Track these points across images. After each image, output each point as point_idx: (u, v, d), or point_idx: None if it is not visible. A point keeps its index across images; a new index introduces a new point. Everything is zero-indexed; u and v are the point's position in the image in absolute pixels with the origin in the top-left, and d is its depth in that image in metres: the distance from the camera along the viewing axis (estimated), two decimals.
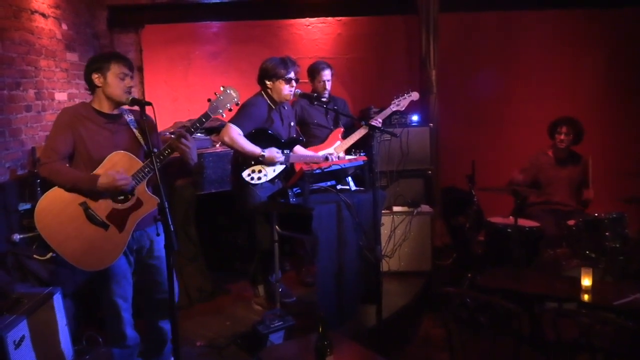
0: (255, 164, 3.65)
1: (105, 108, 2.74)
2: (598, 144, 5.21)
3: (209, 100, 2.80)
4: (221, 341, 3.41)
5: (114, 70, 2.66)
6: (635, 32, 5.53)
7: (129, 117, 2.81)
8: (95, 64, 2.69)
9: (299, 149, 3.90)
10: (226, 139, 3.56)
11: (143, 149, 2.79)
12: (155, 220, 2.80)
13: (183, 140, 2.68)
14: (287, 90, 3.68)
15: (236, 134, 3.56)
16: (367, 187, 3.68)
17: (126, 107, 2.79)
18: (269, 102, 3.75)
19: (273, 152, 3.63)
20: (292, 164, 3.84)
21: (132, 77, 2.74)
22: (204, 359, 3.29)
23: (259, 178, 3.67)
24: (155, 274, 2.89)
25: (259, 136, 3.66)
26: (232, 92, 2.81)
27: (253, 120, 3.64)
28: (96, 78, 2.68)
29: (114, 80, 2.66)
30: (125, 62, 2.70)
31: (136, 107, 2.66)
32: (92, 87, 2.73)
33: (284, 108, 3.86)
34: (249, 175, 3.65)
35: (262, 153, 3.59)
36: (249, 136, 3.62)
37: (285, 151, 3.72)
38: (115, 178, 2.59)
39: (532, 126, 5.36)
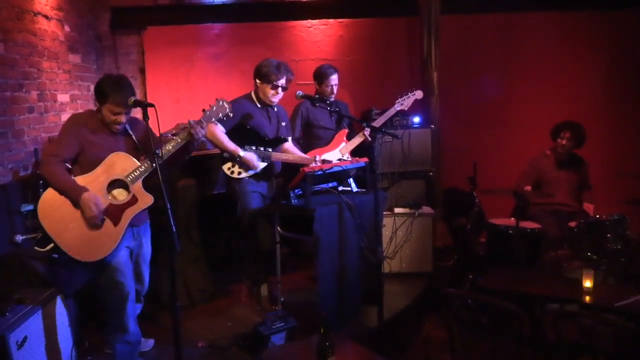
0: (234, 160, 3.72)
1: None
2: (600, 146, 5.21)
3: (203, 110, 3.05)
4: (223, 342, 3.42)
5: (109, 107, 2.88)
6: (637, 33, 5.53)
7: (128, 125, 3.03)
8: (97, 92, 2.91)
9: (290, 148, 3.95)
10: (207, 134, 3.60)
11: (142, 153, 3.02)
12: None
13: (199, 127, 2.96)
14: (271, 94, 3.77)
15: (218, 130, 3.62)
16: (369, 189, 3.68)
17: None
18: (254, 99, 3.83)
19: (251, 158, 3.67)
20: (292, 165, 3.88)
21: (127, 113, 2.93)
22: None
23: (239, 173, 3.72)
24: (138, 267, 3.21)
25: (242, 132, 3.69)
26: (224, 103, 3.09)
27: (233, 116, 3.69)
28: (96, 102, 2.96)
29: (107, 114, 2.91)
30: (121, 103, 2.85)
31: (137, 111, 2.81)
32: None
33: (274, 109, 3.90)
34: (229, 169, 3.73)
35: (240, 154, 3.65)
36: (233, 132, 3.65)
37: (267, 149, 3.75)
38: (93, 206, 2.80)
39: (533, 128, 5.36)
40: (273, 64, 3.74)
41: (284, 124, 3.97)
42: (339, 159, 3.99)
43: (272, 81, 3.71)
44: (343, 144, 4.25)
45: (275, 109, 3.92)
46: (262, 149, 3.73)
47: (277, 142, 3.87)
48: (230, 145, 3.66)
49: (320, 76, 4.36)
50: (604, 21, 5.55)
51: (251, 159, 3.67)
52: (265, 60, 3.79)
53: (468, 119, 5.61)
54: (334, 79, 4.34)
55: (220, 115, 3.07)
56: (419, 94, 4.40)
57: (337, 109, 4.24)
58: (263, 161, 3.74)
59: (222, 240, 4.73)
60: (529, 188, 4.54)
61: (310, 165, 3.75)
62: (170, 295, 2.47)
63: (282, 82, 3.74)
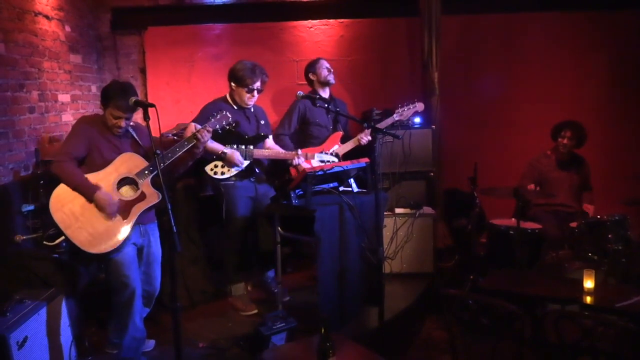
0: (217, 160, 3.72)
1: None
2: (601, 146, 5.21)
3: (209, 117, 3.25)
4: (223, 342, 3.42)
5: (111, 111, 3.05)
6: (637, 33, 5.52)
7: (131, 129, 3.21)
8: (103, 95, 3.08)
9: (272, 145, 3.98)
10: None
11: (145, 153, 3.17)
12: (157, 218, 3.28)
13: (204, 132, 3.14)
14: (247, 98, 3.81)
15: None
16: (370, 189, 3.68)
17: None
18: (230, 102, 3.85)
19: (235, 155, 3.70)
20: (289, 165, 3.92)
21: (128, 119, 3.09)
22: None
23: (223, 173, 3.73)
24: (148, 267, 3.26)
25: (223, 133, 3.67)
26: (227, 114, 3.27)
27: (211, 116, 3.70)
28: (101, 105, 3.12)
29: (109, 117, 3.08)
30: (122, 108, 2.99)
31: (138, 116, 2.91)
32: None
33: (250, 109, 3.93)
34: (212, 170, 3.74)
35: (225, 151, 3.68)
36: (214, 134, 3.65)
37: (248, 147, 3.78)
38: (107, 205, 2.96)
39: (534, 128, 5.35)
40: (247, 67, 3.75)
41: (262, 122, 3.99)
42: (324, 153, 4.01)
43: (247, 85, 3.75)
44: (336, 146, 4.26)
45: (252, 109, 3.95)
46: (243, 147, 3.76)
47: (257, 140, 3.89)
48: (216, 145, 3.68)
49: (312, 65, 4.45)
50: (604, 21, 5.54)
51: (235, 156, 3.70)
52: (239, 64, 3.80)
53: (469, 119, 5.60)
54: (324, 62, 4.43)
55: (224, 123, 3.23)
56: (419, 107, 4.38)
57: (336, 107, 4.24)
58: (246, 159, 3.77)
59: (222, 241, 4.73)
60: (532, 186, 4.53)
61: (295, 161, 3.84)
62: (171, 296, 2.47)
63: (258, 84, 3.77)
